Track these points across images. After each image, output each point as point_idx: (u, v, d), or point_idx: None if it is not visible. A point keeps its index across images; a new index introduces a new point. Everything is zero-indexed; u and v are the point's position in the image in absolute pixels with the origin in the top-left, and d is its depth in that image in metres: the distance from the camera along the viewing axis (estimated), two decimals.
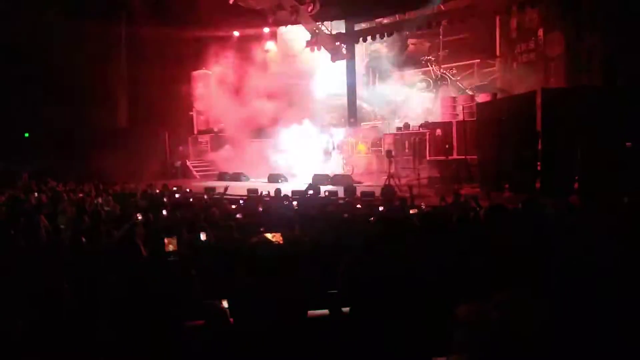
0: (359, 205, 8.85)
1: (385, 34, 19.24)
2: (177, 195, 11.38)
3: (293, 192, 11.40)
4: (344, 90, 21.49)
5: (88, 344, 2.77)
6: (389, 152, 14.13)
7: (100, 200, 9.89)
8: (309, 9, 17.35)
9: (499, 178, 11.43)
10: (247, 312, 2.60)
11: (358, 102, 21.41)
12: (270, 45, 21.93)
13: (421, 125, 16.92)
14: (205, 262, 4.24)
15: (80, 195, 11.03)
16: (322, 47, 19.09)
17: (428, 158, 15.89)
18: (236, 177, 17.67)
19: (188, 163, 21.19)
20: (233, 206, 9.08)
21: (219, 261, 4.38)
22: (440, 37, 19.70)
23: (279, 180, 16.06)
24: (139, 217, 6.34)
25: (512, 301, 1.27)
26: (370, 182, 15.07)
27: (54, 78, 17.77)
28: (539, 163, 10.78)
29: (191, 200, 10.63)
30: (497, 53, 18.24)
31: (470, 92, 18.51)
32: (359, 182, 15.08)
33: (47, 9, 17.22)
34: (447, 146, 15.15)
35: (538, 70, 15.83)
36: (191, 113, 22.43)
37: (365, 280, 3.03)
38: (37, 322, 2.56)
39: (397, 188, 12.29)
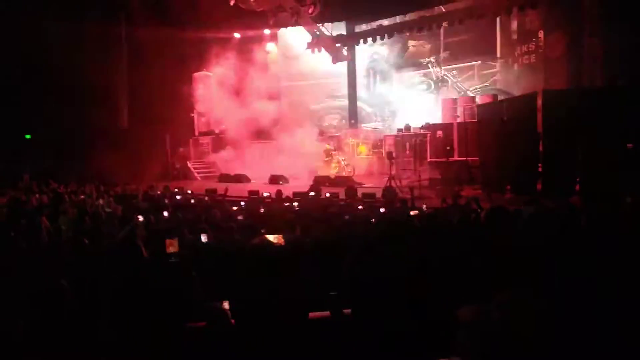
0: (360, 207, 8.85)
1: (386, 35, 19.25)
2: (178, 197, 11.38)
3: (294, 194, 11.39)
4: (344, 91, 21.52)
5: (89, 344, 2.76)
6: (389, 154, 14.13)
7: (101, 201, 9.89)
8: (310, 11, 17.36)
9: (501, 179, 11.43)
10: (249, 314, 2.60)
11: (359, 103, 21.44)
12: (271, 46, 21.96)
13: (422, 127, 16.93)
14: (206, 264, 4.24)
15: (82, 196, 11.04)
16: (322, 48, 19.11)
17: (429, 159, 15.89)
18: (237, 178, 17.68)
19: (189, 164, 21.20)
20: (234, 208, 9.09)
21: (220, 262, 4.38)
22: (441, 38, 19.71)
23: (280, 182, 16.07)
24: (140, 219, 6.35)
25: (513, 302, 1.27)
26: (371, 184, 15.06)
27: (54, 79, 17.78)
28: (540, 164, 10.77)
29: (192, 201, 10.64)
30: (498, 54, 18.25)
31: (471, 94, 18.52)
32: (360, 184, 15.08)
33: (47, 10, 17.23)
34: (448, 148, 15.15)
35: (539, 72, 15.84)
36: (192, 115, 22.44)
37: (366, 281, 3.03)
38: (38, 322, 2.57)
39: (398, 189, 12.28)
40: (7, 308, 2.74)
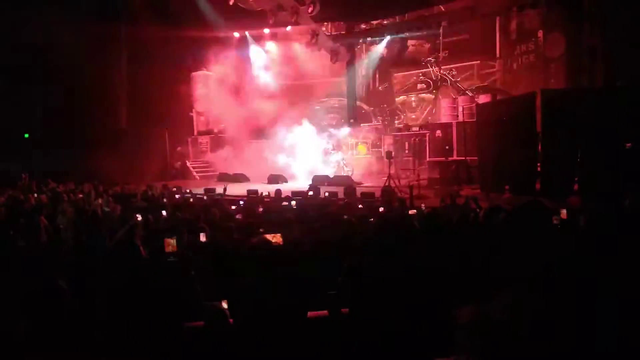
0: (360, 206, 8.85)
1: (385, 34, 19.26)
2: (177, 196, 11.38)
3: (293, 193, 11.39)
4: (343, 91, 21.52)
5: (88, 344, 2.76)
6: (388, 153, 14.13)
7: (100, 200, 9.88)
8: (309, 10, 17.35)
9: (499, 179, 11.43)
10: (247, 313, 2.60)
11: (358, 103, 21.44)
12: (270, 46, 21.95)
13: (421, 126, 16.94)
14: (205, 263, 4.24)
15: (80, 195, 11.03)
16: (322, 48, 19.10)
17: (428, 159, 15.90)
18: (236, 178, 17.67)
19: (188, 164, 21.20)
20: (233, 207, 9.08)
21: (219, 262, 4.38)
22: (440, 38, 19.70)
23: (279, 181, 16.07)
24: (139, 218, 6.34)
25: (513, 302, 1.27)
26: (370, 183, 15.07)
27: (53, 78, 17.76)
28: (538, 164, 10.78)
29: (191, 201, 10.63)
30: (497, 54, 18.25)
31: (470, 93, 18.51)
32: (359, 183, 15.08)
33: (47, 9, 17.20)
34: (447, 147, 15.16)
35: (538, 72, 15.83)
36: (191, 114, 22.43)
37: (364, 281, 3.03)
38: (36, 322, 2.56)
39: (397, 189, 12.29)
40: (7, 308, 2.73)
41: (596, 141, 9.73)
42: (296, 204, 9.23)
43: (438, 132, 16.02)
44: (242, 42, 21.51)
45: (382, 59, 21.42)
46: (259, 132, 19.89)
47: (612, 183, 8.73)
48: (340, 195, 11.83)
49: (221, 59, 20.80)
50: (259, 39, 21.53)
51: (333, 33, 19.83)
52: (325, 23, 19.39)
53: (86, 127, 18.68)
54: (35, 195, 10.85)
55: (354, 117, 20.85)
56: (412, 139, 16.35)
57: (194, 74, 21.78)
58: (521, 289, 1.36)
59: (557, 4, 14.45)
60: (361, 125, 20.69)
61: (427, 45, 20.41)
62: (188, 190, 13.03)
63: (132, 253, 3.84)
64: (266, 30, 20.97)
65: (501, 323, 1.23)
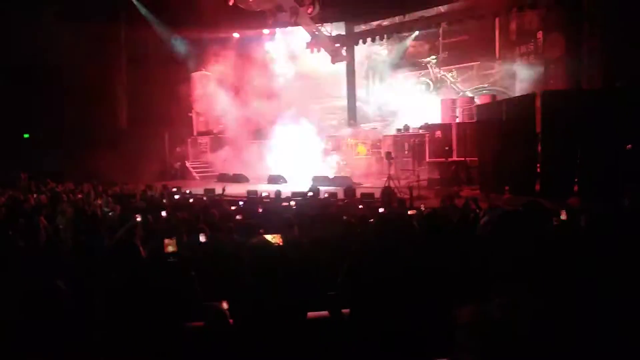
0: (360, 206, 8.85)
1: (385, 35, 19.26)
2: (176, 197, 11.37)
3: (293, 194, 11.39)
4: (343, 92, 21.52)
5: (87, 344, 2.76)
6: (388, 154, 14.12)
7: (99, 201, 9.88)
8: (309, 11, 17.36)
9: (499, 180, 11.43)
10: (247, 314, 2.59)
11: (358, 103, 21.45)
12: (269, 46, 21.95)
13: (421, 127, 16.93)
14: (204, 264, 4.23)
15: (80, 196, 11.02)
16: (321, 48, 19.10)
17: (427, 160, 15.89)
18: (236, 178, 17.67)
19: (187, 164, 21.19)
20: (233, 207, 9.07)
21: (219, 262, 4.38)
22: (440, 39, 19.72)
23: (279, 182, 16.06)
24: (138, 218, 6.33)
25: (513, 302, 1.27)
26: (369, 184, 15.07)
27: (53, 79, 17.76)
28: (538, 165, 10.78)
29: (191, 201, 10.62)
30: (497, 55, 18.27)
31: (469, 94, 18.53)
32: (359, 184, 15.08)
33: (46, 10, 17.21)
34: (446, 148, 15.15)
35: (538, 72, 15.85)
36: (190, 114, 22.43)
37: (364, 281, 3.02)
38: (36, 322, 2.56)
39: (397, 190, 12.28)
40: (7, 308, 2.73)
41: (596, 142, 9.73)
42: (296, 205, 9.22)
43: (438, 133, 16.02)
44: (242, 43, 21.50)
45: (382, 60, 21.44)
46: (259, 132, 19.89)
47: (611, 184, 8.73)
48: (340, 195, 11.82)
49: (221, 60, 20.80)
50: (258, 40, 21.52)
51: (333, 34, 19.81)
52: (325, 24, 19.38)
53: (85, 128, 18.69)
54: (35, 195, 10.84)
55: (354, 117, 20.85)
56: (412, 139, 16.34)
57: (193, 74, 21.78)
58: (521, 289, 1.36)
59: (556, 4, 14.46)
60: (361, 126, 20.69)
61: (427, 46, 20.43)
62: (188, 191, 13.02)
63: (132, 253, 3.83)
64: (266, 31, 20.97)
65: (501, 323, 1.23)
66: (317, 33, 18.57)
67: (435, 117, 17.58)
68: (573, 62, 13.72)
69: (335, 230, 5.22)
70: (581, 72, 13.42)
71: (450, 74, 19.77)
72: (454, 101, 17.44)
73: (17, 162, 16.99)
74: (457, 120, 16.23)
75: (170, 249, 3.77)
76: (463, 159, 14.43)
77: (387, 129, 19.81)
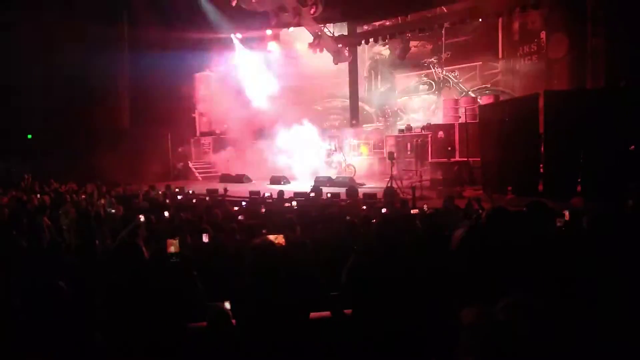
0: (363, 207, 8.85)
1: (388, 36, 19.25)
2: (179, 197, 11.38)
3: (295, 194, 11.39)
4: (346, 92, 21.52)
5: (90, 344, 2.76)
6: (391, 154, 14.11)
7: (103, 201, 9.90)
8: (312, 11, 17.35)
9: (502, 180, 11.41)
10: (250, 314, 2.60)
11: (360, 104, 21.45)
12: (272, 46, 21.97)
13: (423, 127, 16.92)
14: (207, 264, 4.23)
15: (83, 196, 11.05)
16: (324, 49, 19.10)
17: (430, 160, 15.88)
18: (238, 178, 17.69)
19: (190, 165, 21.22)
20: (235, 208, 9.09)
21: (221, 263, 4.38)
22: (443, 39, 19.70)
23: (281, 182, 16.07)
24: (142, 219, 6.35)
25: (517, 304, 1.27)
26: (372, 184, 15.06)
27: (56, 79, 17.81)
28: (541, 165, 10.76)
29: (194, 201, 10.64)
30: (500, 55, 18.24)
31: (472, 94, 18.50)
32: (361, 184, 15.07)
33: (49, 9, 17.25)
34: (449, 148, 15.14)
35: (541, 73, 15.81)
36: (193, 115, 22.46)
37: (367, 282, 3.02)
38: (38, 322, 2.57)
39: (399, 190, 12.27)
40: (7, 308, 2.74)
41: (599, 142, 9.70)
42: (298, 205, 9.23)
43: (440, 133, 16.00)
44: (245, 43, 21.52)
45: (384, 60, 21.43)
46: (261, 133, 19.90)
47: (615, 184, 8.70)
48: (343, 196, 11.82)
49: (223, 60, 20.82)
50: (261, 40, 21.53)
51: (335, 34, 19.81)
52: (328, 24, 19.38)
53: (89, 128, 18.73)
54: (38, 195, 10.87)
55: (356, 118, 20.85)
56: (415, 140, 16.34)
57: (196, 75, 21.81)
58: (525, 290, 1.36)
59: (559, 4, 14.42)
60: (363, 126, 20.69)
61: (430, 47, 20.41)
62: (190, 191, 13.04)
63: (135, 254, 3.84)
64: (268, 32, 20.98)
65: (505, 324, 1.22)
66: (319, 33, 18.56)
67: (438, 117, 17.57)
68: (576, 62, 13.68)
69: (337, 231, 5.22)
70: (585, 72, 13.38)
71: (452, 74, 19.74)
72: (456, 101, 17.42)
73: (20, 163, 17.06)
74: (460, 121, 16.21)
75: (172, 249, 3.77)
76: (466, 159, 14.41)
77: (389, 129, 19.82)
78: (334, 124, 22.03)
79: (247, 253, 2.68)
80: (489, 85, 18.58)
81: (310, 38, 18.95)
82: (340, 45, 19.34)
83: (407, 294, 2.88)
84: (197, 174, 20.63)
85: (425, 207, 7.96)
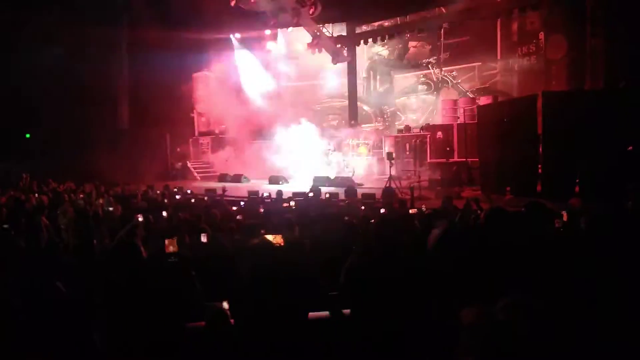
0: (362, 207, 8.85)
1: (386, 36, 19.26)
2: (177, 197, 11.38)
3: (294, 194, 11.39)
4: (344, 92, 21.52)
5: (88, 344, 2.76)
6: (389, 154, 14.13)
7: (101, 201, 9.89)
8: (311, 12, 17.35)
9: (500, 181, 11.43)
10: (248, 314, 2.59)
11: (359, 104, 21.45)
12: (271, 46, 21.97)
13: (422, 128, 16.94)
14: (205, 264, 4.23)
15: (81, 196, 11.04)
16: (323, 49, 19.11)
17: (429, 160, 15.89)
18: (237, 178, 17.68)
19: (189, 164, 21.21)
20: (234, 208, 9.08)
21: (220, 262, 4.38)
22: (441, 39, 19.72)
23: (280, 182, 16.06)
24: (140, 219, 6.34)
25: (517, 304, 1.27)
26: (371, 184, 15.07)
27: (55, 79, 17.79)
28: (539, 166, 10.77)
29: (192, 201, 10.63)
30: (498, 56, 18.25)
31: (471, 95, 18.52)
32: (360, 184, 15.08)
33: (49, 10, 17.23)
34: (447, 149, 15.16)
35: (539, 73, 15.83)
36: (192, 115, 22.45)
37: (366, 282, 3.02)
38: (37, 322, 2.56)
39: (398, 190, 12.28)
40: (6, 308, 2.73)
41: (597, 143, 9.72)
42: (297, 205, 9.22)
43: (439, 134, 16.02)
44: (243, 43, 21.52)
45: (383, 61, 21.43)
46: (260, 133, 19.90)
47: (613, 185, 8.71)
48: (341, 196, 11.82)
49: (222, 60, 20.81)
50: (260, 40, 21.53)
51: (334, 34, 19.82)
52: (327, 24, 19.39)
53: (87, 128, 18.71)
54: (36, 195, 10.85)
55: (355, 118, 20.85)
56: (413, 140, 16.35)
57: (195, 75, 21.80)
58: (525, 291, 1.36)
59: (558, 5, 14.44)
60: (362, 126, 20.69)
61: (428, 47, 20.42)
62: (189, 191, 13.03)
63: (133, 254, 3.83)
64: (267, 32, 20.98)
65: (504, 325, 1.22)
66: (318, 34, 18.57)
67: (437, 117, 17.59)
68: (575, 63, 13.70)
69: (336, 231, 5.22)
70: (583, 73, 13.40)
71: (451, 75, 19.75)
72: (455, 102, 17.44)
73: (19, 162, 17.02)
74: (459, 121, 16.22)
75: (171, 249, 3.77)
76: (464, 159, 14.42)
77: (388, 129, 19.82)
78: (332, 124, 22.03)
79: (246, 253, 2.67)
80: (487, 86, 18.60)
81: (309, 38, 18.96)
82: (339, 46, 19.35)
83: (405, 294, 2.88)
84: (195, 174, 20.61)
85: (423, 207, 7.97)
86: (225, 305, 2.84)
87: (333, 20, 19.61)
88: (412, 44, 20.72)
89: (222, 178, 18.15)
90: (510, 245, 3.10)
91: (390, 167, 13.59)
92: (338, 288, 3.23)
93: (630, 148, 9.43)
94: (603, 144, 9.62)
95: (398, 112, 20.93)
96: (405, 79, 20.93)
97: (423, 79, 20.59)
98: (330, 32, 19.55)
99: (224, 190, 12.29)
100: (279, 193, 11.13)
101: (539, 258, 2.93)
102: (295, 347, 2.43)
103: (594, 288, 2.46)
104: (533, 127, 10.81)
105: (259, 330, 2.45)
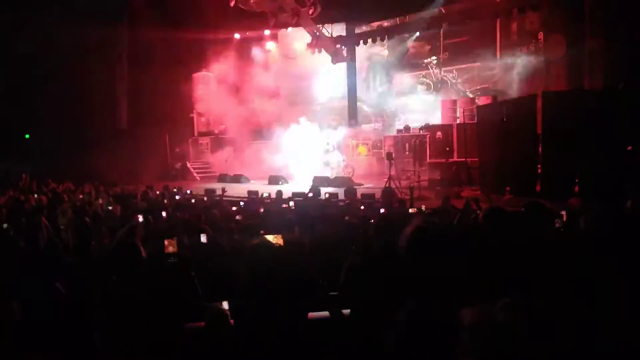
0: (361, 207, 8.85)
1: (386, 36, 19.26)
2: (177, 197, 11.37)
3: (294, 194, 11.39)
4: (344, 92, 21.52)
5: (88, 345, 2.76)
6: (389, 154, 14.13)
7: (100, 201, 9.89)
8: (310, 12, 17.36)
9: (500, 181, 11.43)
10: (248, 314, 2.59)
11: (358, 104, 21.45)
12: (270, 46, 21.97)
13: (422, 128, 16.93)
14: (205, 264, 4.23)
15: (81, 196, 11.03)
16: (322, 49, 19.11)
17: (428, 160, 15.89)
18: (236, 178, 17.68)
19: (188, 165, 21.20)
20: (234, 208, 9.08)
21: (220, 263, 4.38)
22: (441, 39, 19.72)
23: (280, 182, 16.06)
24: (140, 219, 6.34)
25: (516, 304, 1.27)
26: (370, 184, 15.07)
27: (55, 79, 17.78)
28: (539, 166, 10.77)
29: (192, 201, 10.63)
30: (498, 56, 18.26)
31: (470, 95, 18.52)
32: (360, 184, 15.08)
33: (49, 11, 17.22)
34: (447, 149, 15.16)
35: (539, 73, 15.84)
36: (192, 115, 22.44)
37: (365, 282, 3.02)
38: (36, 323, 2.56)
39: (398, 190, 12.28)
40: (6, 308, 2.73)
41: (597, 143, 9.72)
42: (297, 205, 9.22)
43: (439, 134, 16.02)
44: (243, 43, 21.53)
45: (383, 61, 21.44)
46: (260, 133, 19.90)
47: (612, 185, 8.72)
48: (341, 196, 11.82)
49: (222, 60, 20.81)
50: (259, 40, 21.54)
51: (334, 34, 19.83)
52: (326, 24, 19.39)
53: (87, 128, 18.70)
54: (36, 195, 10.84)
55: (355, 118, 20.86)
56: (413, 140, 16.34)
57: (194, 74, 21.80)
58: (524, 291, 1.36)
59: (558, 5, 14.45)
60: (362, 126, 20.69)
61: (428, 47, 20.43)
62: (189, 191, 13.03)
63: (132, 254, 3.83)
64: (267, 32, 20.99)
65: (504, 325, 1.22)
66: (318, 34, 18.58)
67: (436, 117, 17.58)
68: (574, 63, 13.71)
69: (336, 231, 5.22)
70: (582, 72, 13.41)
71: (451, 75, 19.76)
72: (454, 102, 17.44)
73: (18, 163, 17.01)
74: (458, 121, 16.23)
75: (170, 249, 3.77)
76: (464, 159, 14.43)
77: (387, 129, 19.82)
78: (332, 124, 22.02)
79: (245, 253, 2.67)
80: (487, 86, 18.60)
81: (309, 38, 18.96)
82: (338, 46, 19.35)
83: (406, 294, 2.88)
84: (195, 174, 20.61)
85: (423, 207, 7.97)
86: (225, 305, 2.84)
87: (333, 20, 19.61)
88: (411, 44, 20.73)
89: (222, 178, 18.14)
90: (509, 244, 3.10)
91: (389, 167, 13.59)
92: (338, 288, 3.23)
93: (629, 148, 9.44)
94: (603, 143, 9.63)
95: (397, 112, 20.93)
96: (405, 79, 20.94)
97: (423, 79, 20.60)
98: (330, 33, 19.54)
99: (223, 190, 12.29)
100: (279, 193, 11.12)
101: (538, 258, 2.93)
102: (295, 348, 2.43)
103: (593, 288, 2.46)
104: (533, 127, 10.81)
105: (259, 330, 2.45)
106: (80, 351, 2.76)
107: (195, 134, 22.57)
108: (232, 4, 17.23)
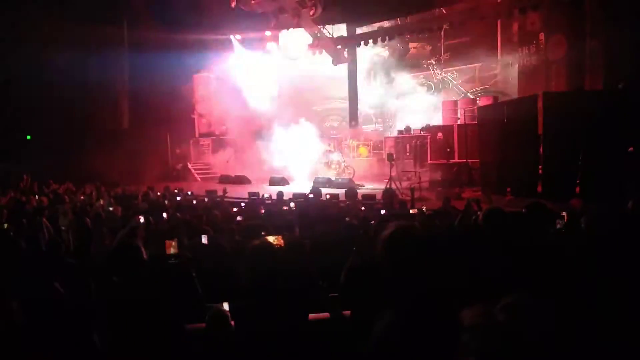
0: (362, 208, 8.85)
1: (387, 37, 19.27)
2: (178, 198, 11.38)
3: (294, 195, 11.39)
4: (345, 93, 21.52)
5: (88, 346, 2.76)
6: (390, 155, 14.13)
7: (102, 202, 9.89)
8: (311, 13, 17.36)
9: (501, 181, 11.43)
10: (248, 315, 2.59)
11: (359, 105, 21.45)
12: (271, 47, 21.98)
13: (422, 129, 16.93)
14: (206, 265, 4.23)
15: (82, 197, 11.04)
16: (323, 50, 19.12)
17: (429, 161, 15.89)
18: (237, 180, 17.68)
19: (189, 166, 21.21)
20: (234, 209, 9.08)
21: (220, 264, 4.38)
22: (442, 40, 19.73)
23: (280, 183, 16.07)
24: (141, 220, 6.34)
25: (518, 304, 1.26)
26: (371, 185, 15.07)
27: (55, 80, 17.79)
28: (540, 166, 10.77)
29: (193, 202, 10.63)
30: (499, 56, 18.26)
31: (471, 96, 18.52)
32: (360, 185, 15.08)
33: (49, 11, 17.24)
34: (448, 149, 15.16)
35: (539, 74, 15.83)
36: (193, 116, 22.45)
37: (366, 283, 3.02)
38: (37, 323, 2.56)
39: (399, 191, 12.28)
40: (6, 309, 2.73)
41: (598, 143, 9.72)
42: (297, 206, 9.22)
43: (439, 135, 16.01)
44: (244, 44, 21.53)
45: (384, 61, 21.44)
46: (261, 134, 19.90)
47: (614, 185, 8.71)
48: (342, 197, 11.81)
49: (222, 61, 20.82)
50: (260, 41, 21.54)
51: (334, 35, 19.83)
52: (327, 25, 19.40)
53: (88, 129, 18.71)
54: (37, 196, 10.85)
55: (355, 119, 20.86)
56: (414, 141, 16.35)
57: (195, 75, 21.81)
58: (525, 291, 1.36)
59: (558, 6, 14.44)
60: (362, 127, 20.69)
61: (429, 48, 20.44)
62: (190, 192, 13.04)
63: (133, 255, 3.83)
64: (268, 33, 20.99)
65: (505, 325, 1.22)
66: (319, 35, 18.58)
67: (437, 118, 17.58)
68: (575, 64, 13.70)
69: (336, 232, 5.22)
70: (583, 73, 13.40)
71: (451, 76, 19.76)
72: (455, 103, 17.44)
73: (19, 164, 17.02)
74: (459, 122, 16.23)
75: (171, 250, 3.77)
76: (465, 160, 14.42)
77: (388, 130, 19.82)
78: (332, 125, 22.03)
79: (246, 254, 2.67)
80: (488, 87, 18.60)
81: (310, 39, 18.96)
82: (339, 47, 19.35)
83: (406, 295, 2.88)
84: (196, 175, 20.61)
85: (424, 208, 7.97)
86: (226, 306, 2.85)
87: (333, 21, 19.63)
88: (412, 44, 20.74)
89: (223, 179, 18.15)
90: (508, 245, 3.10)
91: (390, 168, 13.58)
92: (338, 289, 3.23)
93: (631, 149, 9.43)
94: (604, 144, 9.62)
95: (398, 113, 20.92)
96: (406, 79, 20.93)
97: (423, 79, 20.60)
98: (331, 33, 19.55)
99: (224, 191, 12.29)
100: (280, 194, 11.12)
101: (539, 258, 2.93)
102: (295, 349, 2.43)
103: (594, 288, 2.46)
104: (533, 128, 10.80)
105: (259, 331, 2.45)
106: (80, 351, 2.76)
107: (197, 135, 22.58)
108: (232, 4, 17.23)
